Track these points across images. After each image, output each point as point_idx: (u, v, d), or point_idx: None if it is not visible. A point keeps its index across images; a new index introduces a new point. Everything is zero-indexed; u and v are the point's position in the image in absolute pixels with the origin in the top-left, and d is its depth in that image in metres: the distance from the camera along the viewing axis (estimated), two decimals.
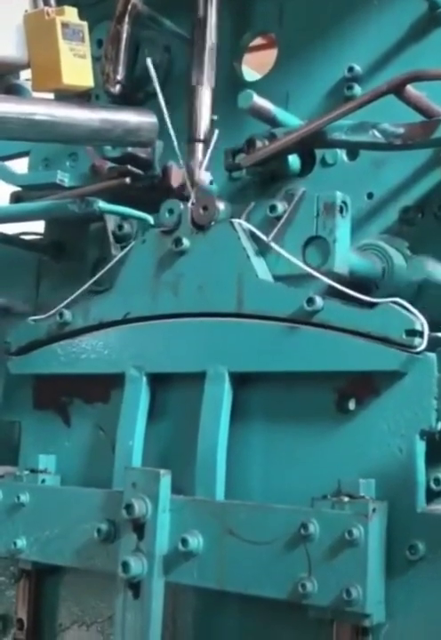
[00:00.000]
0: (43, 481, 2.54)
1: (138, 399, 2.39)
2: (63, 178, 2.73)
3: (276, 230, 2.27)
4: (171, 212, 2.42)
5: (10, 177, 2.88)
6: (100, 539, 2.29)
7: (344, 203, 2.22)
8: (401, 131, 2.22)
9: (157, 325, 2.40)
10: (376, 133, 2.25)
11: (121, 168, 2.63)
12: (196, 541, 2.16)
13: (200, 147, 2.57)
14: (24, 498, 2.49)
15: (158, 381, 2.42)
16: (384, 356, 2.04)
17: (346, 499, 2.00)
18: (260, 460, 2.26)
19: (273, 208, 2.29)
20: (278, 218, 2.28)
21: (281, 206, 2.28)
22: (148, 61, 2.47)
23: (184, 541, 2.15)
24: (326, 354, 2.11)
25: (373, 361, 2.06)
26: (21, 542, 2.48)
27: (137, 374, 2.41)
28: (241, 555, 2.10)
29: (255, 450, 2.27)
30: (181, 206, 2.40)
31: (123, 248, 2.61)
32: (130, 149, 2.58)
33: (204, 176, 2.54)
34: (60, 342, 2.58)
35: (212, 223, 2.35)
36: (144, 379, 2.40)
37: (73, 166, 2.84)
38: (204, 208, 2.37)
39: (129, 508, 2.19)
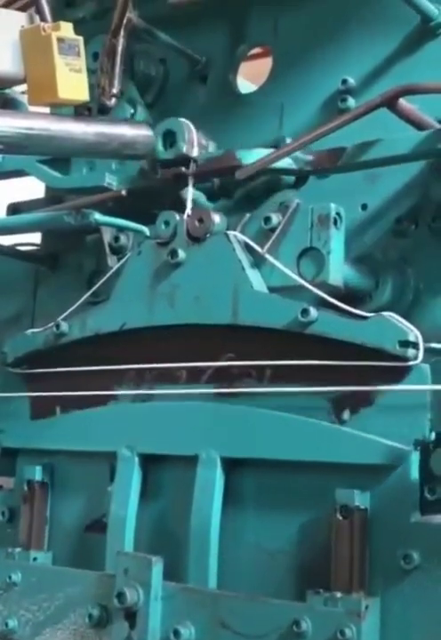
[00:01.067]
0: (34, 559, 2.54)
1: (130, 479, 2.39)
2: (111, 181, 2.66)
3: (270, 242, 2.28)
4: (167, 223, 2.43)
5: (53, 180, 2.78)
6: (92, 624, 2.28)
7: (338, 214, 2.24)
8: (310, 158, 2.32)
9: (149, 406, 2.41)
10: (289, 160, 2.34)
11: (174, 170, 2.50)
12: (188, 633, 2.14)
13: None
14: (15, 577, 2.47)
15: (151, 461, 2.42)
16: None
17: (338, 594, 1.98)
18: (253, 542, 2.25)
19: (268, 220, 2.31)
20: (273, 229, 2.29)
21: (275, 218, 2.30)
22: None
23: (176, 633, 2.13)
24: (319, 446, 2.11)
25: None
26: (13, 623, 2.46)
27: (129, 454, 2.40)
28: None
29: (247, 533, 2.26)
30: (177, 218, 2.42)
31: (119, 259, 2.63)
32: (184, 149, 2.47)
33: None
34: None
35: (208, 235, 2.37)
36: (136, 459, 2.40)
37: (118, 169, 2.70)
38: (200, 220, 2.39)
39: (121, 596, 2.18)
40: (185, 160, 2.46)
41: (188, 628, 2.14)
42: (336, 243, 2.22)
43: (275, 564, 2.20)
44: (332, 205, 2.23)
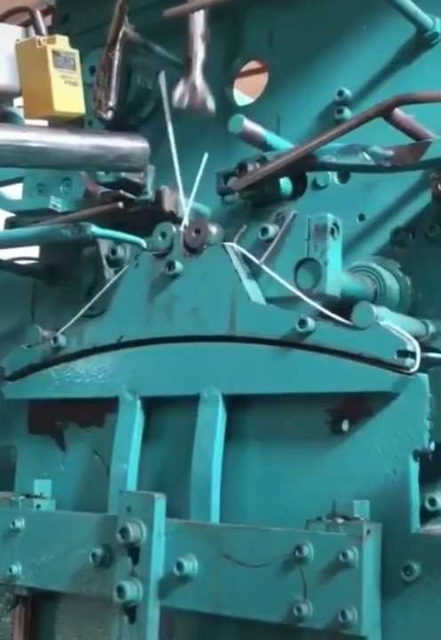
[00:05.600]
0: (38, 506, 2.54)
1: (132, 423, 2.40)
2: (56, 203, 2.74)
3: (267, 253, 2.28)
4: (163, 235, 2.44)
5: (3, 203, 2.90)
6: (96, 564, 2.29)
7: (335, 225, 2.24)
8: (390, 153, 2.24)
9: (151, 350, 2.41)
10: (366, 156, 2.27)
11: (114, 193, 2.65)
12: (191, 565, 2.15)
13: None
14: (19, 523, 2.48)
15: (152, 405, 2.42)
16: (377, 378, 2.05)
17: (340, 520, 2.00)
18: (255, 481, 2.26)
19: (265, 231, 2.30)
20: (270, 240, 2.29)
21: (272, 229, 2.30)
22: (161, 77, 2.49)
23: (179, 565, 2.15)
24: (319, 375, 2.12)
25: (366, 382, 2.06)
26: (17, 568, 2.47)
27: (131, 398, 2.41)
28: (237, 578, 2.10)
29: (250, 471, 2.27)
30: (174, 230, 2.42)
31: (116, 272, 2.63)
32: (123, 174, 2.60)
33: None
34: (54, 367, 2.58)
35: (205, 246, 2.37)
36: (138, 402, 2.40)
37: (67, 191, 2.84)
38: (197, 231, 2.39)
39: (124, 532, 2.19)
40: None
41: (192, 561, 2.15)
42: (333, 253, 2.22)
43: (277, 501, 2.20)
44: (329, 216, 2.23)
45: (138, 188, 2.64)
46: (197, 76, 2.59)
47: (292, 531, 2.06)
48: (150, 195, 2.67)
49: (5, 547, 2.50)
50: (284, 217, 2.30)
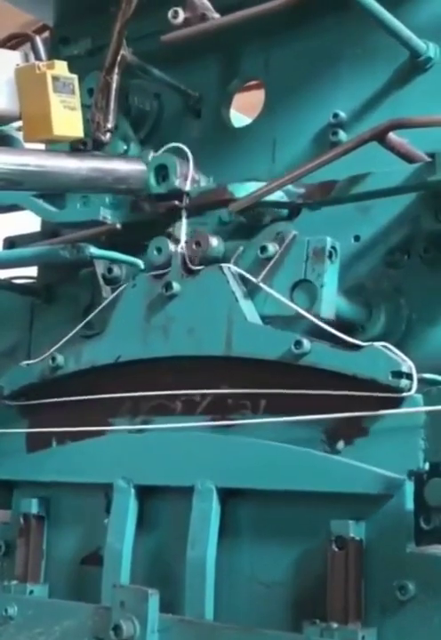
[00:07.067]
0: (31, 592, 2.53)
1: (126, 510, 2.39)
2: (106, 214, 2.70)
3: (265, 271, 2.30)
4: (159, 250, 2.45)
5: (46, 213, 2.81)
6: None
7: (333, 248, 2.26)
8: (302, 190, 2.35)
9: (145, 437, 2.42)
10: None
11: (167, 203, 2.54)
12: None
13: None
14: (12, 611, 2.46)
15: (146, 493, 2.42)
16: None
17: (335, 625, 1.98)
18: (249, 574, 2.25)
19: (264, 249, 2.32)
20: (269, 259, 2.31)
21: (272, 247, 2.31)
22: None
23: None
24: (314, 475, 2.12)
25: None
26: None
27: (125, 485, 2.40)
28: None
29: (243, 564, 2.26)
30: (171, 248, 2.44)
31: (113, 290, 2.65)
32: (177, 183, 2.51)
33: None
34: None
35: (202, 267, 2.39)
36: (132, 490, 2.40)
37: (112, 203, 2.74)
38: (197, 244, 2.40)
39: (117, 629, 2.15)
40: (178, 194, 2.49)
41: None
42: (330, 276, 2.24)
43: (271, 596, 2.20)
44: (328, 239, 2.25)
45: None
46: None
47: (286, 635, 2.05)
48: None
49: None
50: (284, 237, 2.32)
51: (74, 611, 2.36)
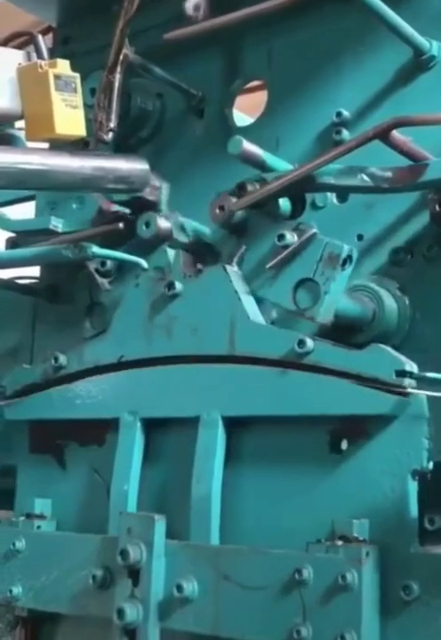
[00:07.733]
0: (38, 527, 2.54)
1: (132, 444, 2.40)
2: (57, 224, 2.75)
3: (278, 258, 2.27)
4: (147, 224, 2.47)
5: (4, 223, 2.90)
6: (96, 585, 2.29)
7: (349, 257, 2.22)
8: (389, 174, 2.25)
9: (151, 371, 2.42)
10: (364, 177, 2.28)
11: (127, 211, 2.62)
12: (191, 587, 2.16)
13: None
14: (20, 544, 2.49)
15: (152, 425, 2.43)
16: (376, 400, 2.05)
17: (340, 543, 2.00)
18: (255, 502, 2.26)
19: (281, 237, 2.29)
20: (285, 247, 2.28)
21: (289, 237, 2.29)
22: None
23: (179, 587, 2.15)
24: (318, 397, 2.12)
25: (365, 405, 2.07)
26: (17, 590, 2.47)
27: (131, 419, 2.41)
28: (236, 600, 2.11)
29: (249, 492, 2.27)
30: (160, 223, 2.44)
31: (110, 283, 2.67)
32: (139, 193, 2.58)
33: None
34: (55, 388, 2.59)
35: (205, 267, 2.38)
36: (138, 423, 2.41)
37: (79, 209, 2.82)
38: (221, 208, 2.39)
39: (124, 554, 2.19)
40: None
41: (191, 583, 2.15)
42: (337, 285, 2.21)
43: (276, 522, 2.21)
44: (346, 247, 2.22)
45: (152, 206, 2.64)
46: None
47: (291, 553, 2.06)
48: (164, 210, 2.67)
49: (6, 568, 2.50)
50: (303, 230, 2.30)
51: (81, 542, 2.39)
